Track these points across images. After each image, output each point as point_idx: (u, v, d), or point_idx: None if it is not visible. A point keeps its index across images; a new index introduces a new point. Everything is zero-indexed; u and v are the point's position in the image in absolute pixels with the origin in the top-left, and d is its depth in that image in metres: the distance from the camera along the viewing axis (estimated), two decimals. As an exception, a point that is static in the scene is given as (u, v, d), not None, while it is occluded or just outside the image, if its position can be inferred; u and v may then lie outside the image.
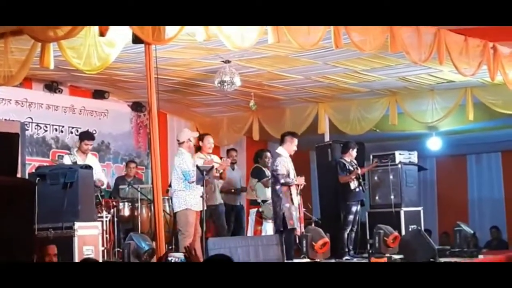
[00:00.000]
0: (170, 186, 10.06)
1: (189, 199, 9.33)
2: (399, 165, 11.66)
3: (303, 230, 10.23)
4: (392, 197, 11.34)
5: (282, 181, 9.62)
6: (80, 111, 12.00)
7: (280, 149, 9.95)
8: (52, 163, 10.46)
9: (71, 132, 11.77)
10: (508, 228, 15.46)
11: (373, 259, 9.27)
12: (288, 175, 9.68)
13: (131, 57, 8.93)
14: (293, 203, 9.63)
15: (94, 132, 11.39)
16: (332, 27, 7.14)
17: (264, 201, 10.95)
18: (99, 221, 8.94)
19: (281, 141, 10.07)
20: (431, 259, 9.44)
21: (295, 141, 9.97)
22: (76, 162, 9.50)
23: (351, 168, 10.63)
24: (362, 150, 11.65)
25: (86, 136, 10.15)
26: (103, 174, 10.38)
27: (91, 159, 10.10)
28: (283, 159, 9.79)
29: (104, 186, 10.37)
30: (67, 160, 9.69)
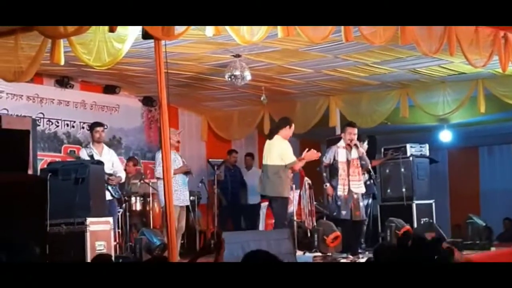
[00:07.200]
0: None
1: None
2: (411, 158, 11.62)
3: (314, 224, 10.21)
4: (403, 190, 11.30)
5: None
6: (91, 106, 12.04)
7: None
8: (72, 158, 10.27)
9: (83, 127, 11.81)
10: (521, 220, 15.39)
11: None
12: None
13: (141, 52, 8.94)
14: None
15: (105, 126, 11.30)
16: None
17: None
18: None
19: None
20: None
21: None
22: (92, 155, 9.36)
23: None
24: (374, 143, 11.62)
25: (94, 124, 9.93)
26: (122, 168, 10.23)
27: (109, 152, 9.88)
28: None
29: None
30: (83, 154, 9.50)
